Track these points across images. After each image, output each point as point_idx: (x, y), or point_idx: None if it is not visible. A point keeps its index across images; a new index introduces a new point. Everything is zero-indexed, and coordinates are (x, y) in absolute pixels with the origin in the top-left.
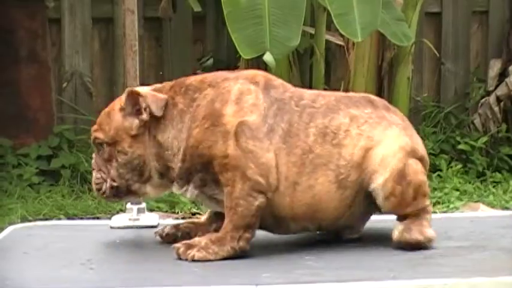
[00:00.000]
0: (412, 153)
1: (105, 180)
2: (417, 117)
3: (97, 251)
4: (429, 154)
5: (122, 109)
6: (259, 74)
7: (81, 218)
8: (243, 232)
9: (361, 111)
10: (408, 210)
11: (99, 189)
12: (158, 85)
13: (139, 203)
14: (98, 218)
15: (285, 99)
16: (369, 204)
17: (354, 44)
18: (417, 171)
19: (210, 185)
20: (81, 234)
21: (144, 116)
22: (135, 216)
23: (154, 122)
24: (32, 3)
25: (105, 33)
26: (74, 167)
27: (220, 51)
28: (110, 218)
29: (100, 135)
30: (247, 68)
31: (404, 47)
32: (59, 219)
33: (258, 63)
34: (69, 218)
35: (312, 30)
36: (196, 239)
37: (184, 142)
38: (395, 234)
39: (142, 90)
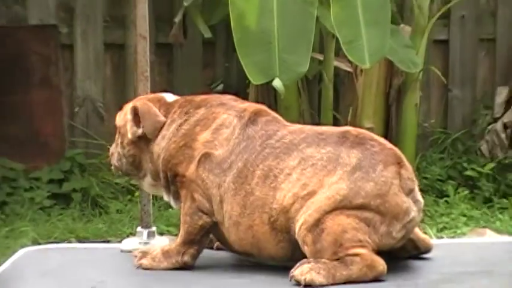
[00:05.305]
0: (344, 202)
1: (113, 155)
2: (425, 143)
3: (108, 274)
4: (436, 180)
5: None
6: (251, 108)
7: (92, 241)
8: (188, 248)
9: (317, 151)
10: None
11: (110, 161)
12: (178, 99)
13: (150, 227)
14: (108, 241)
15: (255, 137)
16: None
17: (362, 70)
18: (338, 220)
19: (180, 198)
20: (92, 257)
21: (140, 131)
22: (145, 240)
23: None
24: (45, 29)
25: (117, 59)
26: (85, 191)
27: (230, 77)
28: (120, 242)
29: (116, 120)
30: (256, 93)
31: (412, 74)
32: (70, 242)
33: (267, 88)
34: (79, 241)
35: (320, 57)
36: (153, 248)
37: (163, 151)
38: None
39: (145, 107)
